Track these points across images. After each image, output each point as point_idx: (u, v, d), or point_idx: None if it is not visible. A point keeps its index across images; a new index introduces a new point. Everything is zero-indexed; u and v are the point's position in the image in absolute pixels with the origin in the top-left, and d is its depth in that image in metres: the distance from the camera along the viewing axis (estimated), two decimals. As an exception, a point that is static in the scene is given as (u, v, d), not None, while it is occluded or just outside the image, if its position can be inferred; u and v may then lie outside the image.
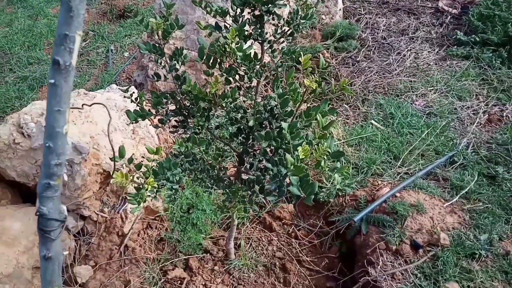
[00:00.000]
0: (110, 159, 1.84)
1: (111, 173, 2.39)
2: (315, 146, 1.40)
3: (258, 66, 1.78)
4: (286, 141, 1.48)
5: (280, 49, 1.83)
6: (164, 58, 1.88)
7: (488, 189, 2.68)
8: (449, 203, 2.54)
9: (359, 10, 5.53)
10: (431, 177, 2.85)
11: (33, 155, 2.21)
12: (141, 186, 1.49)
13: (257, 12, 1.68)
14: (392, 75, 4.17)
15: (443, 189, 2.71)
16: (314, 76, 1.65)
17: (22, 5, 7.42)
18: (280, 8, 1.64)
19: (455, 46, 4.57)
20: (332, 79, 4.26)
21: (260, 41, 1.76)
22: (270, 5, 1.60)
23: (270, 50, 1.79)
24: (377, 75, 4.21)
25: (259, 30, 1.71)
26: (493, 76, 3.94)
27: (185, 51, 1.98)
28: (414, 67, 4.28)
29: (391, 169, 2.89)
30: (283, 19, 1.76)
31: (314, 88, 1.60)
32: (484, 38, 4.45)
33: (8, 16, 7.03)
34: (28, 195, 2.43)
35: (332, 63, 4.49)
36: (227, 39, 1.55)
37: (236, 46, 1.53)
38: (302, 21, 1.70)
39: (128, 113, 1.74)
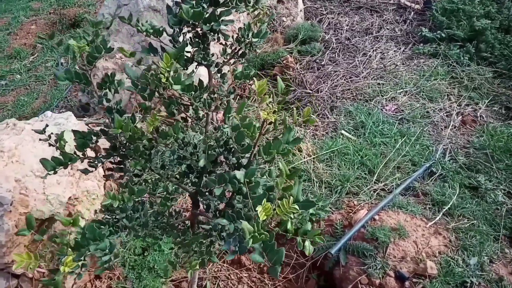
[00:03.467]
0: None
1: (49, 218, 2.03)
2: (278, 202, 1.11)
3: (205, 95, 1.48)
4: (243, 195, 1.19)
5: (231, 71, 1.53)
6: (92, 87, 1.55)
7: (472, 202, 2.48)
8: (432, 222, 2.32)
9: (321, 10, 5.31)
10: (410, 192, 2.63)
11: None
12: (60, 267, 1.16)
13: (199, 30, 1.37)
14: (359, 78, 3.95)
15: (424, 206, 2.49)
16: (272, 103, 1.36)
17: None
18: (227, 25, 1.34)
19: (421, 44, 4.41)
20: (298, 86, 4.00)
21: (206, 65, 1.45)
22: (213, 23, 1.29)
23: (218, 74, 1.49)
24: (344, 79, 3.99)
25: (203, 52, 1.40)
26: (463, 73, 3.79)
27: (118, 76, 1.65)
28: (381, 68, 4.09)
29: (366, 186, 2.65)
30: (232, 37, 1.46)
31: (273, 120, 1.31)
32: (450, 34, 4.30)
33: None
34: None
35: (297, 68, 4.24)
36: (160, 68, 1.23)
37: (173, 75, 1.22)
38: (254, 39, 1.40)
39: (44, 162, 1.39)
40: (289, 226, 1.10)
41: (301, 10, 5.10)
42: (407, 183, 2.62)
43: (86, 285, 2.24)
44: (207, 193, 1.69)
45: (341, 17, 5.17)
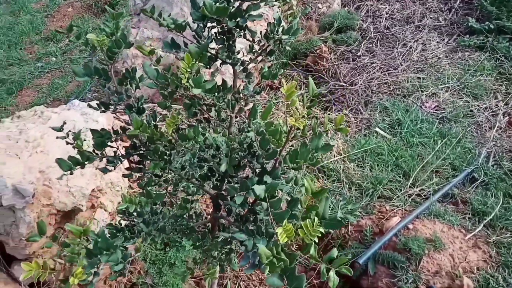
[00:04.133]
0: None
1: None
2: (301, 223, 1.00)
3: (229, 95, 1.37)
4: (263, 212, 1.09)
5: (257, 69, 1.42)
6: (112, 82, 1.48)
7: (516, 214, 2.29)
8: (472, 234, 2.15)
9: (360, -4, 5.04)
10: (448, 199, 2.45)
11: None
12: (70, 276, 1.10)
13: (224, 26, 1.26)
14: (398, 71, 3.72)
15: (463, 216, 2.31)
16: (302, 106, 1.24)
17: (5, 0, 7.01)
18: (254, 20, 1.22)
19: (467, 35, 4.10)
20: (331, 77, 3.83)
21: (231, 63, 1.34)
22: (239, 19, 1.17)
23: (244, 73, 1.38)
24: (381, 72, 3.77)
25: (228, 50, 1.29)
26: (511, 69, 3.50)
27: (139, 71, 1.57)
28: (422, 61, 3.84)
29: (400, 190, 2.48)
30: (260, 32, 1.34)
31: (302, 127, 1.19)
32: (499, 25, 3.97)
33: (-11, 12, 6.63)
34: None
35: (331, 58, 4.05)
36: (181, 68, 1.14)
37: (194, 78, 1.12)
38: (284, 36, 1.28)
39: (60, 161, 1.34)
40: (312, 251, 0.99)
41: (338, -4, 4.86)
42: (445, 189, 2.43)
43: (107, 278, 2.22)
44: (228, 197, 1.61)
45: (381, 4, 4.89)
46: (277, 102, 3.37)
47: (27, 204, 1.85)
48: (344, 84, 3.69)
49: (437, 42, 4.12)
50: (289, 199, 1.28)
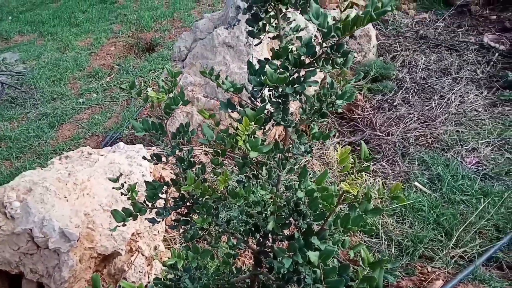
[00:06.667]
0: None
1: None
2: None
3: (279, 155, 1.39)
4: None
5: (308, 130, 1.44)
6: (166, 136, 1.54)
7: None
8: (520, 304, 2.03)
9: (395, 47, 5.11)
10: (493, 263, 2.34)
11: (16, 241, 1.88)
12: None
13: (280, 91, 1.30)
14: (436, 123, 3.69)
15: (509, 282, 2.19)
16: (354, 171, 1.24)
17: (52, 37, 7.47)
18: (310, 86, 1.26)
19: (506, 90, 4.05)
20: (366, 126, 3.83)
21: (284, 125, 1.37)
22: (297, 85, 1.21)
23: (295, 135, 1.40)
24: (418, 123, 3.75)
25: (282, 113, 1.32)
26: (555, 127, 3.41)
27: (188, 107, 1.61)
28: (461, 113, 3.79)
29: (442, 251, 2.40)
30: (313, 95, 1.38)
31: (355, 193, 1.19)
32: (541, 81, 3.93)
33: (38, 48, 7.06)
34: (12, 282, 2.10)
35: (366, 107, 4.07)
36: (238, 130, 1.17)
37: (250, 141, 1.15)
38: (338, 101, 1.31)
39: (115, 213, 1.38)
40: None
41: (373, 46, 4.94)
42: (490, 252, 2.33)
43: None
44: (271, 254, 1.60)
45: (417, 54, 4.94)
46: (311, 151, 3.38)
47: (71, 248, 1.89)
48: (380, 134, 3.67)
49: (475, 95, 4.08)
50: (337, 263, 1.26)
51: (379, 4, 0.90)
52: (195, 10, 7.64)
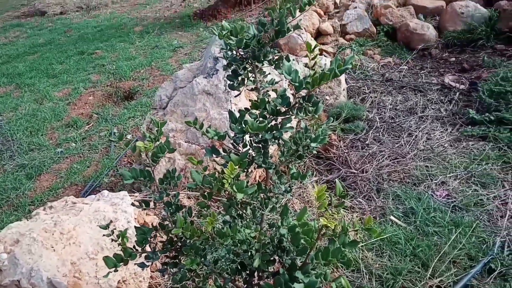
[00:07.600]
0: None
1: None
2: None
3: (262, 195, 1.51)
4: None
5: (287, 171, 1.57)
6: (154, 182, 1.63)
7: (539, 308, 2.28)
8: (496, 329, 2.13)
9: (363, 89, 5.43)
10: (468, 291, 2.46)
11: (2, 293, 1.89)
12: None
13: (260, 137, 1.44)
14: (406, 159, 3.90)
15: (485, 309, 2.31)
16: (331, 208, 1.36)
17: (30, 89, 7.50)
18: (287, 131, 1.40)
19: (469, 126, 4.34)
20: (342, 164, 4.00)
21: (265, 167, 1.50)
22: (275, 132, 1.35)
23: (276, 176, 1.53)
24: (390, 160, 3.95)
25: (263, 157, 1.45)
26: (516, 158, 3.66)
27: (178, 171, 1.72)
28: (428, 149, 4.03)
29: (421, 281, 2.50)
30: (290, 139, 1.52)
31: (333, 228, 1.31)
32: (499, 117, 4.23)
33: (15, 100, 7.07)
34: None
35: (340, 146, 4.27)
36: (223, 174, 1.29)
37: (236, 184, 1.26)
38: (313, 144, 1.45)
39: (106, 260, 1.44)
40: None
41: (344, 89, 5.24)
42: (464, 280, 2.45)
43: None
44: (258, 291, 1.67)
45: (384, 96, 5.25)
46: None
47: (58, 297, 1.90)
48: (355, 171, 3.84)
49: (441, 132, 4.35)
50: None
51: (342, 62, 1.07)
52: (172, 59, 7.88)
